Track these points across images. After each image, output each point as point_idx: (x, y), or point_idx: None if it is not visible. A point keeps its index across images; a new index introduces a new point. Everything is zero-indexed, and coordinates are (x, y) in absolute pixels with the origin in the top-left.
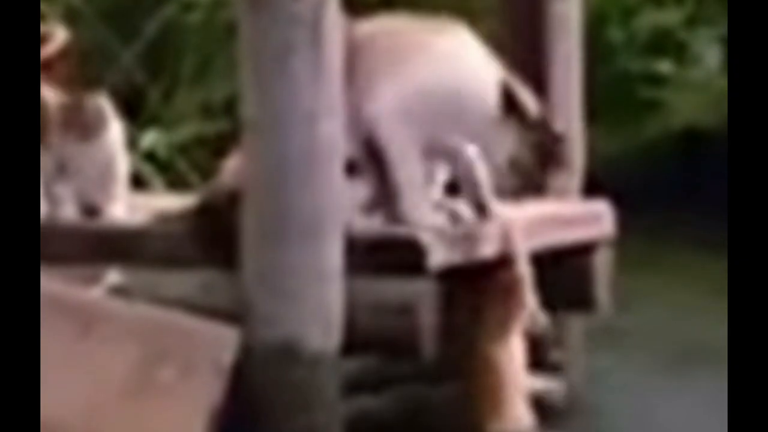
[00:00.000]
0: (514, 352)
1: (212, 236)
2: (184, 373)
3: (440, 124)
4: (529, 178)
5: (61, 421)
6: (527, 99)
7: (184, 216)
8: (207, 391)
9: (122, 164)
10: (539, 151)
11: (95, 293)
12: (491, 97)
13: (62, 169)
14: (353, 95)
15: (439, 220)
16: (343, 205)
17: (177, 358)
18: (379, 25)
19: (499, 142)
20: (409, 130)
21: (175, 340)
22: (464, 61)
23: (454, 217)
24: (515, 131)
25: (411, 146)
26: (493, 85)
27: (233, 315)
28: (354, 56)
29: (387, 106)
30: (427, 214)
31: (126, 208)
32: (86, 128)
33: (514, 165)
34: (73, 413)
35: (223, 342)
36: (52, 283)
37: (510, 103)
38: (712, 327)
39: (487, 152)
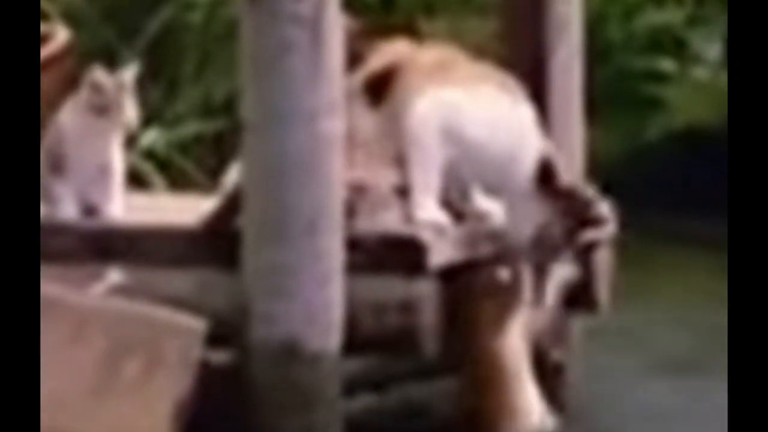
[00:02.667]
0: (514, 345)
1: (212, 236)
2: (150, 367)
3: (478, 173)
4: (556, 250)
5: None
6: (561, 168)
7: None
8: (173, 385)
9: (119, 162)
10: (570, 219)
11: (95, 292)
12: (531, 166)
13: (59, 168)
14: (395, 105)
15: (443, 219)
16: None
17: (143, 351)
18: (432, 50)
19: (529, 214)
20: (443, 148)
21: (141, 332)
22: (519, 123)
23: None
24: (546, 202)
25: (437, 159)
26: (536, 155)
27: (233, 315)
28: (400, 71)
29: (428, 116)
30: (431, 213)
31: (123, 207)
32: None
33: (542, 236)
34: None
35: (190, 335)
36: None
37: (547, 175)
38: (712, 327)
39: (516, 222)
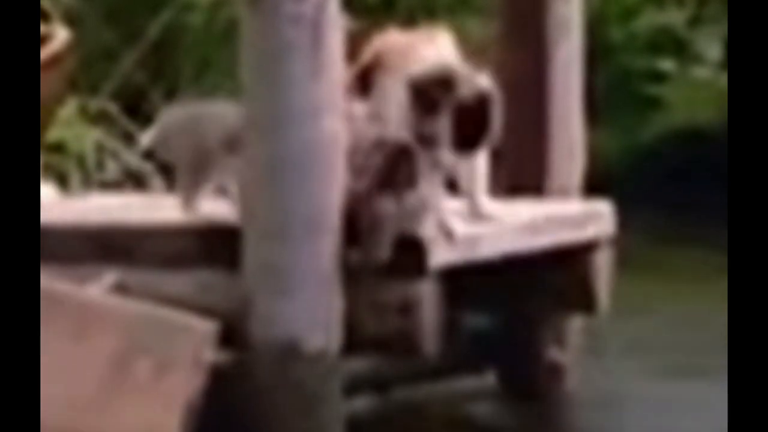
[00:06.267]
0: None
1: (212, 236)
2: (162, 368)
3: None
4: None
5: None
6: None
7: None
8: (184, 386)
9: None
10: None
11: (93, 292)
12: None
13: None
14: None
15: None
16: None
17: (154, 352)
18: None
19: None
20: None
21: (152, 333)
22: None
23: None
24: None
25: None
26: None
27: (234, 315)
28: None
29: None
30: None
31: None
32: None
33: None
34: (50, 409)
35: (201, 336)
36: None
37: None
38: (713, 328)
39: None
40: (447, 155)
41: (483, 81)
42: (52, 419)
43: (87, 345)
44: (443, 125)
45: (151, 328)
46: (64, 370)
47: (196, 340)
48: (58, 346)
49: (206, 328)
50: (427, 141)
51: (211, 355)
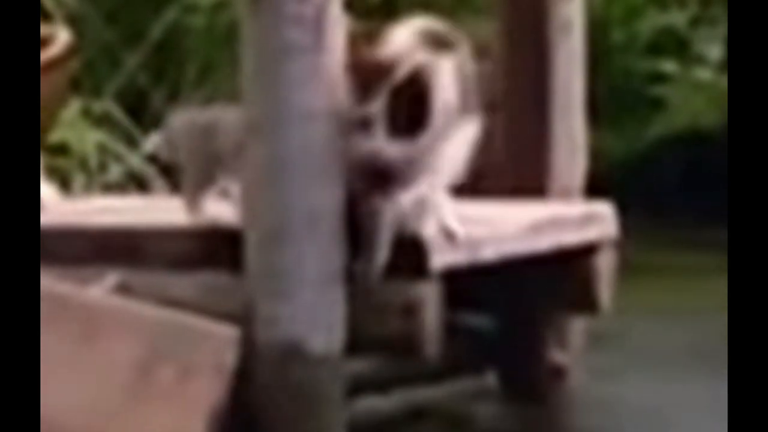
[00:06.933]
0: None
1: (214, 238)
2: (185, 374)
3: None
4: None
5: (63, 424)
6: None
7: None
8: (208, 392)
9: None
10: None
11: (96, 293)
12: None
13: None
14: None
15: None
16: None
17: (177, 358)
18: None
19: None
20: None
21: (175, 340)
22: None
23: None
24: None
25: None
26: None
27: (236, 317)
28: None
29: None
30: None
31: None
32: None
33: None
34: (76, 415)
35: (224, 342)
36: (54, 283)
37: None
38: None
39: None
40: (382, 140)
41: (426, 62)
42: (77, 424)
43: (113, 351)
44: (378, 108)
45: (174, 334)
46: (90, 377)
47: (219, 345)
48: (82, 353)
49: (228, 333)
50: (361, 126)
51: (232, 360)
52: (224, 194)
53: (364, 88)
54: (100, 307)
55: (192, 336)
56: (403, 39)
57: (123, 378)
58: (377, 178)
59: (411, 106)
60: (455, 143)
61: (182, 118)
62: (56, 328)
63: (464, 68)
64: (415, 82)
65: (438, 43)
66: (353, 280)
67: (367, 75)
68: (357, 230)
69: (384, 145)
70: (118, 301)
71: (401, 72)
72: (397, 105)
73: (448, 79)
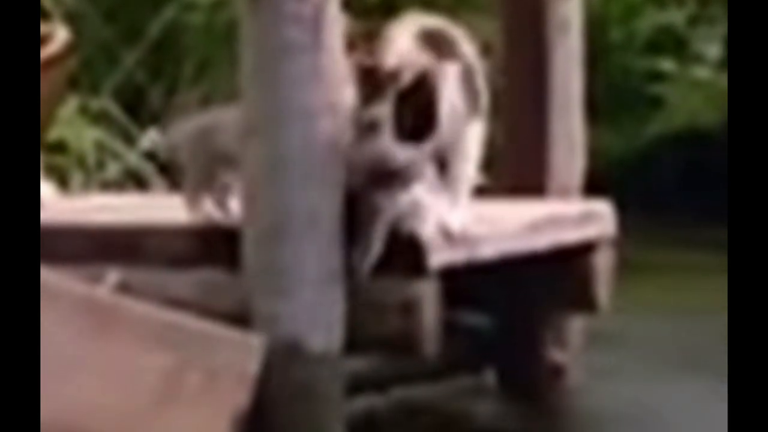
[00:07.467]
0: None
1: (215, 236)
2: (210, 381)
3: None
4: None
5: (88, 426)
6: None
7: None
8: (232, 399)
9: None
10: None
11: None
12: None
13: None
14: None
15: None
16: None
17: (202, 365)
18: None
19: None
20: None
21: (200, 347)
22: None
23: None
24: None
25: None
26: None
27: (235, 315)
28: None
29: None
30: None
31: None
32: None
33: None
34: (104, 421)
35: (248, 349)
36: (74, 283)
37: None
38: (713, 329)
39: None
40: (388, 144)
41: (432, 66)
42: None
43: (140, 358)
44: (385, 112)
45: (199, 342)
46: (118, 383)
47: (244, 353)
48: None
49: (253, 341)
50: (368, 129)
51: (256, 367)
52: (224, 192)
53: (370, 93)
54: (121, 311)
55: (217, 344)
56: (404, 42)
57: (151, 384)
58: (382, 180)
59: (418, 111)
60: (467, 145)
61: (186, 122)
62: (74, 329)
63: (471, 68)
64: (421, 87)
65: (438, 42)
66: (350, 275)
67: (373, 81)
68: (355, 226)
69: (391, 149)
70: (141, 306)
71: (407, 77)
72: (403, 110)
73: (454, 83)
